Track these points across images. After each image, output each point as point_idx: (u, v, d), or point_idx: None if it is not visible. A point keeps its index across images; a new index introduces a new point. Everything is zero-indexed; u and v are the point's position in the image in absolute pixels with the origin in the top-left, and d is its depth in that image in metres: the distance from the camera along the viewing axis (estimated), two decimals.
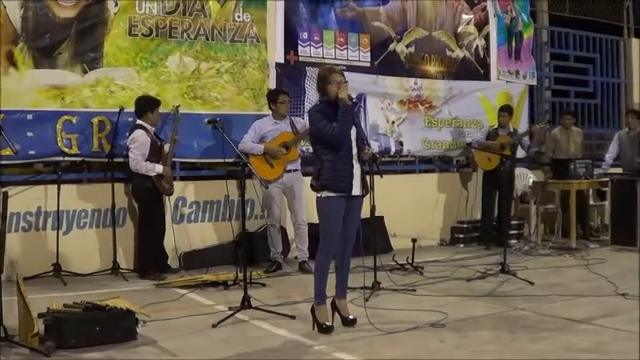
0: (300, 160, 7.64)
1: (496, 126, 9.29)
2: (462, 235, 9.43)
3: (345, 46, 8.90)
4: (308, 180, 5.24)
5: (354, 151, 4.97)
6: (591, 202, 10.00)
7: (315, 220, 5.15)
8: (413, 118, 9.42)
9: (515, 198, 9.82)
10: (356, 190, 4.96)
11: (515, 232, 9.58)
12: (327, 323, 4.94)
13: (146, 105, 7.08)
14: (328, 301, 5.05)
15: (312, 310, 5.02)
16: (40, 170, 7.39)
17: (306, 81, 8.46)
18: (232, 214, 7.78)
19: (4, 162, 6.81)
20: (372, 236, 6.18)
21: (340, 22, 8.89)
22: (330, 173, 4.87)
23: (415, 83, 9.44)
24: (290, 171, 7.45)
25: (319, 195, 4.93)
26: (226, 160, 7.43)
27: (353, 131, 4.98)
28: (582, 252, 8.34)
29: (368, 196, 5.32)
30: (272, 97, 7.59)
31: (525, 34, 10.58)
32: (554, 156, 9.80)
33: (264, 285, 6.58)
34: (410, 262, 7.33)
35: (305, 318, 5.22)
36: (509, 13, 10.40)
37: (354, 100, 4.98)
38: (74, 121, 7.17)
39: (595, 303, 5.64)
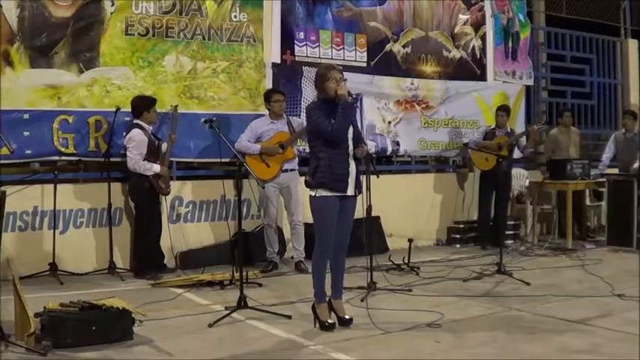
0: (296, 160, 7.64)
1: (493, 126, 9.29)
2: (458, 236, 9.42)
3: (342, 46, 8.90)
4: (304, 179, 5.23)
5: (351, 149, 4.99)
6: (587, 203, 10.00)
7: (312, 219, 5.13)
8: (409, 119, 9.42)
9: (511, 198, 9.82)
10: (350, 190, 4.96)
11: (512, 232, 9.55)
12: (330, 320, 4.97)
13: (141, 105, 7.07)
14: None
15: (314, 309, 5.04)
16: (36, 170, 7.38)
17: (302, 81, 8.46)
18: (229, 214, 7.77)
19: (0, 161, 6.79)
20: (369, 236, 6.18)
21: (337, 22, 8.88)
22: (328, 171, 4.86)
23: (412, 83, 9.45)
24: (286, 170, 7.45)
25: (313, 194, 4.93)
26: (223, 160, 7.44)
27: (350, 129, 4.99)
28: (578, 252, 8.34)
29: (364, 196, 5.31)
30: (267, 96, 7.59)
31: (522, 34, 10.58)
32: (554, 156, 9.72)
33: (260, 285, 6.59)
34: (406, 262, 7.33)
35: (301, 318, 5.23)
36: (505, 13, 10.40)
37: (353, 96, 4.98)
38: (70, 120, 7.16)
39: (591, 304, 5.65)
